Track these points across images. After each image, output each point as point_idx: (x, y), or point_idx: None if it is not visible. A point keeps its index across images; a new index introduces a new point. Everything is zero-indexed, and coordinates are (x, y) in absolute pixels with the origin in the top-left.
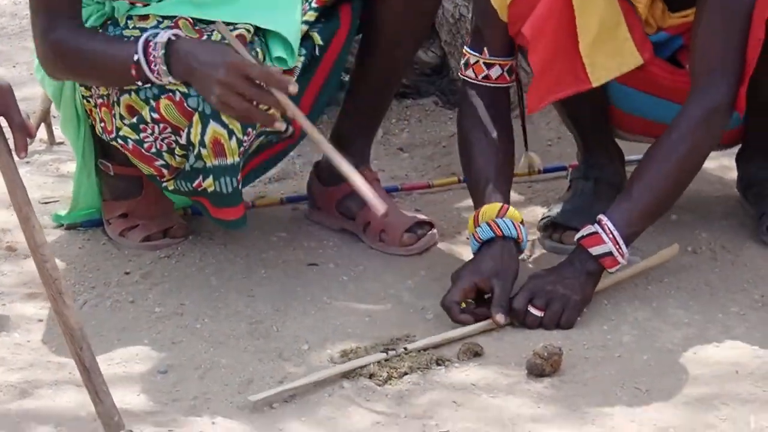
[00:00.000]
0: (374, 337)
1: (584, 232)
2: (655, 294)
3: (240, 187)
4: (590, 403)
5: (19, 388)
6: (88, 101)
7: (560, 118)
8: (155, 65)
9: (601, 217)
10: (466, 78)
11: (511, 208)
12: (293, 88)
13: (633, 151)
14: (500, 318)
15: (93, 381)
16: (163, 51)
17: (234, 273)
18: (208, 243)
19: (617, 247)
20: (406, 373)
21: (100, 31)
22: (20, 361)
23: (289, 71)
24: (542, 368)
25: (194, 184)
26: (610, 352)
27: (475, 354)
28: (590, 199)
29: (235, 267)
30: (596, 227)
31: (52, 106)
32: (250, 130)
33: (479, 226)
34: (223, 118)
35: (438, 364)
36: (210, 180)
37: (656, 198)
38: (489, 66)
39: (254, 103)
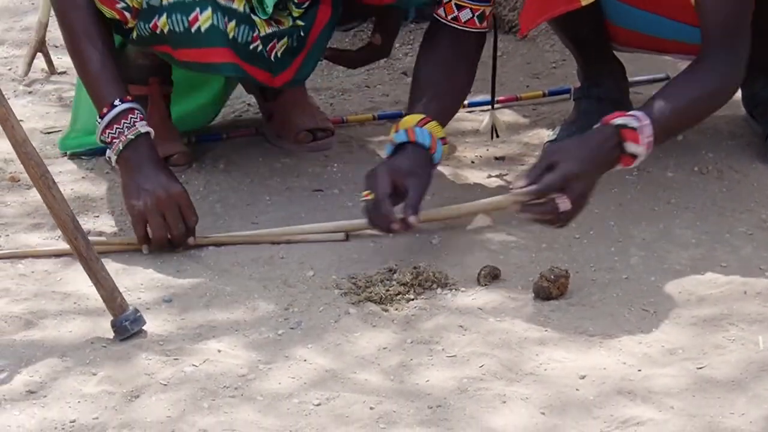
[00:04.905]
0: (379, 263)
1: (630, 122)
2: (662, 215)
3: (198, 29)
4: (597, 325)
5: (24, 318)
6: None
7: (559, 38)
8: (117, 137)
9: (642, 117)
10: (436, 16)
11: (434, 122)
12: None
13: (637, 72)
14: (414, 219)
15: (91, 268)
16: (132, 136)
17: (238, 200)
18: (212, 170)
19: (648, 150)
20: (412, 299)
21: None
22: (25, 292)
23: None
24: (549, 291)
25: (151, 25)
26: (618, 274)
27: (495, 276)
28: (594, 119)
29: (239, 194)
30: (638, 124)
31: (48, 36)
32: None
33: (397, 131)
34: None
35: (443, 287)
36: (164, 18)
37: (676, 124)
38: (460, 8)
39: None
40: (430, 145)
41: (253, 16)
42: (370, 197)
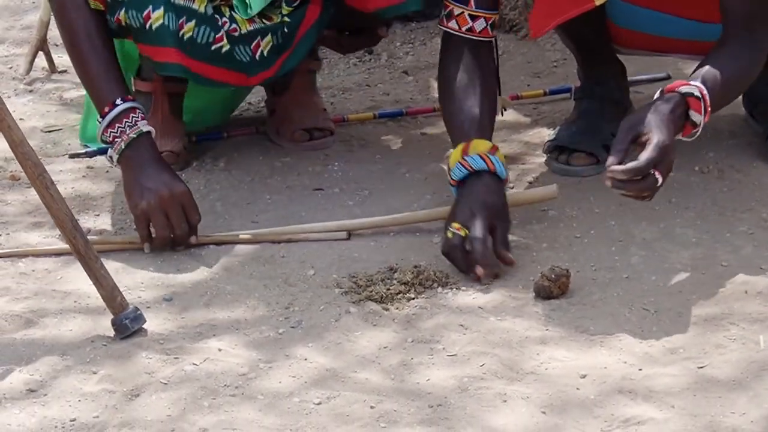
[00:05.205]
0: (380, 262)
1: (694, 91)
2: (662, 214)
3: (150, 27)
4: (598, 324)
5: (24, 317)
6: None
7: (561, 40)
8: (119, 136)
9: (701, 87)
10: (448, 29)
11: (500, 151)
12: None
13: (637, 72)
14: (509, 257)
15: (90, 267)
16: (134, 135)
17: (238, 199)
18: (213, 169)
19: (703, 123)
20: (413, 298)
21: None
22: (25, 291)
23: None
24: (550, 290)
25: (115, 19)
26: (618, 274)
27: (495, 275)
28: (595, 119)
29: (240, 193)
30: (700, 95)
31: (49, 34)
32: None
33: (469, 156)
34: None
35: (444, 287)
36: (123, 12)
37: (720, 100)
38: (474, 18)
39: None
40: (506, 176)
41: (234, 14)
42: (461, 232)
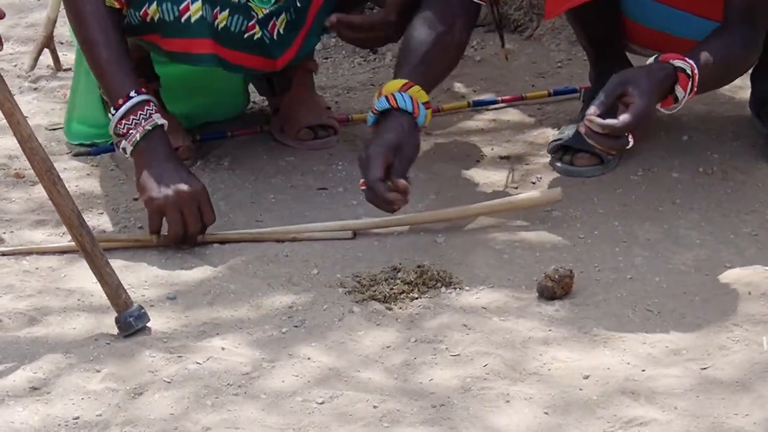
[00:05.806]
0: (384, 261)
1: (686, 68)
2: (666, 215)
3: (188, 19)
4: (601, 325)
5: (28, 315)
6: None
7: (574, 31)
8: (133, 128)
9: (694, 65)
10: None
11: (417, 87)
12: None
13: None
14: (402, 183)
15: (96, 264)
16: (149, 127)
17: (243, 198)
18: (217, 168)
19: (686, 100)
20: (416, 297)
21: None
22: (29, 288)
23: None
24: (553, 291)
25: (141, 13)
26: (622, 274)
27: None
28: None
29: (244, 192)
30: (691, 73)
31: (55, 32)
32: None
33: (379, 98)
34: None
35: (448, 287)
36: (154, 6)
37: (708, 83)
38: None
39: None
40: (413, 109)
41: (249, 3)
42: (365, 186)
